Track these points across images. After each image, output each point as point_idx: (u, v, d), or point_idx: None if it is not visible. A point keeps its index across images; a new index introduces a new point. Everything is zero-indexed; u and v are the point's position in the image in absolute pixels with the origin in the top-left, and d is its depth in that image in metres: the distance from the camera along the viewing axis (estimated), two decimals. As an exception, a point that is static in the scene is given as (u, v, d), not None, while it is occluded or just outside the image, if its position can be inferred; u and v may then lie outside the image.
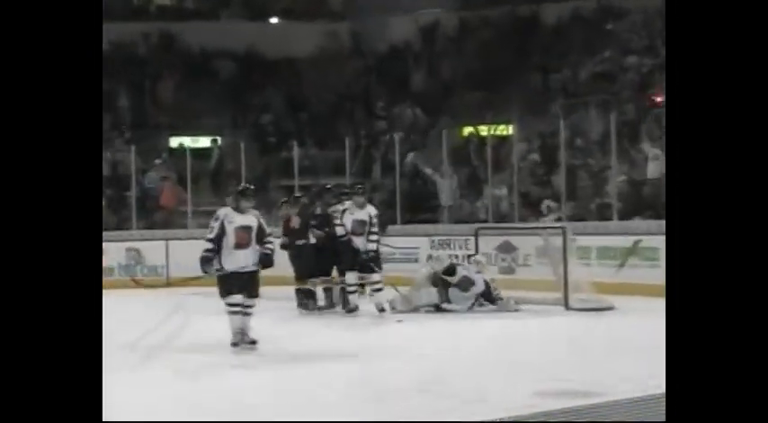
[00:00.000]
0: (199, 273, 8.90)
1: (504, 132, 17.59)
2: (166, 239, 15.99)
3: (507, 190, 15.70)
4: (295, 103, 21.48)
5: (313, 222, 11.45)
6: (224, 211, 8.64)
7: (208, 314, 11.48)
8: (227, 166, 18.70)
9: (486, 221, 15.33)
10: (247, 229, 8.48)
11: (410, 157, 17.44)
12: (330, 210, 11.54)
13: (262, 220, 8.71)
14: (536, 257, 13.23)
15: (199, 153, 18.85)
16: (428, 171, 16.86)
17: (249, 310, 8.52)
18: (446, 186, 16.42)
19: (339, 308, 11.49)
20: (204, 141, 19.82)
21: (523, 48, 19.81)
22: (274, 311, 10.80)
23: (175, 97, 21.08)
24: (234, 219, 8.52)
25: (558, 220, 14.17)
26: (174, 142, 20.09)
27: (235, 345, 8.45)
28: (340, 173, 17.30)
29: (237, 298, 8.42)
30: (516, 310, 11.14)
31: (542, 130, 16.79)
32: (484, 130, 17.56)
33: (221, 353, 8.31)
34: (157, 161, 17.79)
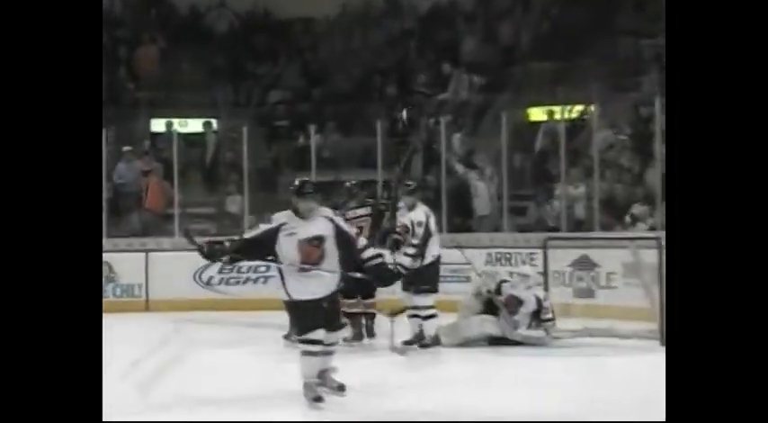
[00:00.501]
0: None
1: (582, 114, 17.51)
2: (146, 251, 16.03)
3: (585, 189, 15.63)
4: (312, 76, 21.52)
5: None
6: (282, 217, 7.86)
7: (210, 348, 11.63)
8: (226, 155, 18.72)
9: (557, 230, 15.27)
10: (317, 240, 7.76)
11: (456, 139, 17.35)
12: (350, 214, 11.61)
13: (340, 222, 8.02)
14: (623, 277, 13.18)
15: (189, 139, 18.91)
16: (459, 169, 16.76)
17: (332, 349, 8.04)
18: (483, 190, 16.41)
19: (367, 339, 11.59)
20: (196, 124, 19.86)
21: (607, 5, 19.71)
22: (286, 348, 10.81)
23: (159, 68, 21.17)
24: (296, 228, 7.76)
25: (652, 229, 14.10)
26: (158, 125, 20.13)
27: (317, 399, 7.87)
28: (369, 165, 17.31)
29: (321, 334, 7.83)
30: (546, 343, 11.19)
31: (631, 112, 16.69)
32: (555, 112, 17.50)
33: (254, 408, 7.93)
34: (126, 148, 17.77)
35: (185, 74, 21.05)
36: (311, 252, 7.71)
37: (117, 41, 21.34)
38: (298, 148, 18.91)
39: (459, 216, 16.60)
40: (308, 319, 7.78)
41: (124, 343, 11.44)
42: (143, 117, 20.16)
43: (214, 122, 19.91)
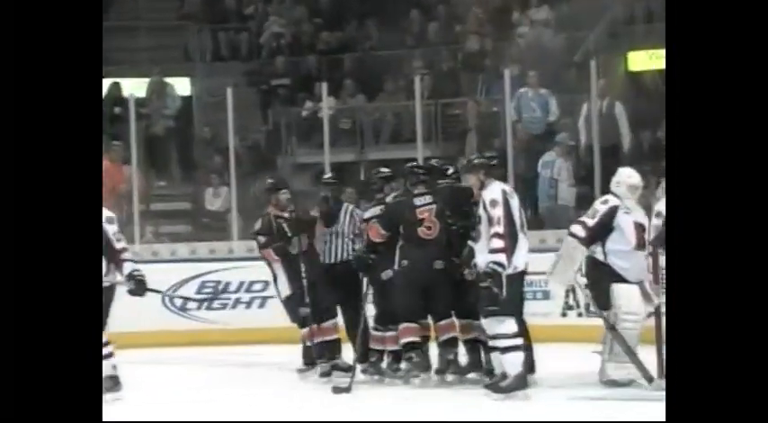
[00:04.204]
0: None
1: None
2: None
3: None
4: (323, 14, 21.37)
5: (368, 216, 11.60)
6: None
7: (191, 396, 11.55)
8: (202, 128, 18.97)
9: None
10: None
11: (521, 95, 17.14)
12: (394, 198, 11.58)
13: None
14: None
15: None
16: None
17: None
18: (567, 172, 16.36)
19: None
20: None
21: None
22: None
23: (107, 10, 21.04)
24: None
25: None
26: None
27: None
28: (404, 140, 17.47)
29: None
30: None
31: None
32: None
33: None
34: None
35: (144, 16, 21.17)
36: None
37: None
38: (304, 116, 18.98)
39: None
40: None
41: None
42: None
43: (186, 83, 20.13)
